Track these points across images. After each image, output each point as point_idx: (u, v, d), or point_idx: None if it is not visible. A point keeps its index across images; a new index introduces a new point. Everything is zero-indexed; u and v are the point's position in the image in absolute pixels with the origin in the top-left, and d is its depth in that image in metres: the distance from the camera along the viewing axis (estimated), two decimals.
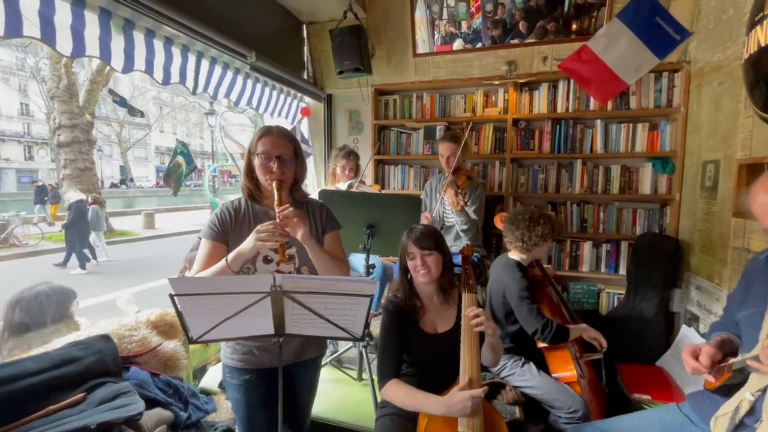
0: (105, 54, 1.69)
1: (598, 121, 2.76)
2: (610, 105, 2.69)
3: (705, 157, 2.26)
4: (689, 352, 1.08)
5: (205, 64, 2.26)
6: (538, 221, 1.92)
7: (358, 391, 2.05)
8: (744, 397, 1.03)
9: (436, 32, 3.01)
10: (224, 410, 1.76)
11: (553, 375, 1.92)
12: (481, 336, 1.40)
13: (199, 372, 2.23)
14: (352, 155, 2.72)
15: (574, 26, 2.73)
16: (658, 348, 2.40)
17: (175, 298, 0.93)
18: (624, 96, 2.68)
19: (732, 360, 1.04)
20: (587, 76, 2.55)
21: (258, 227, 1.19)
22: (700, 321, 2.22)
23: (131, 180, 28.33)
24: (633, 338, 2.44)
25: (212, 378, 2.07)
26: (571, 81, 2.74)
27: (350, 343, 2.19)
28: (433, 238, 1.43)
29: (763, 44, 1.62)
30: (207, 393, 1.87)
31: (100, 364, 1.32)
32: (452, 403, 1.20)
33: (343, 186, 2.62)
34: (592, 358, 2.09)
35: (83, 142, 10.15)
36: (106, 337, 1.42)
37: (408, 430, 1.36)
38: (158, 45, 1.95)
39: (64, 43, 1.52)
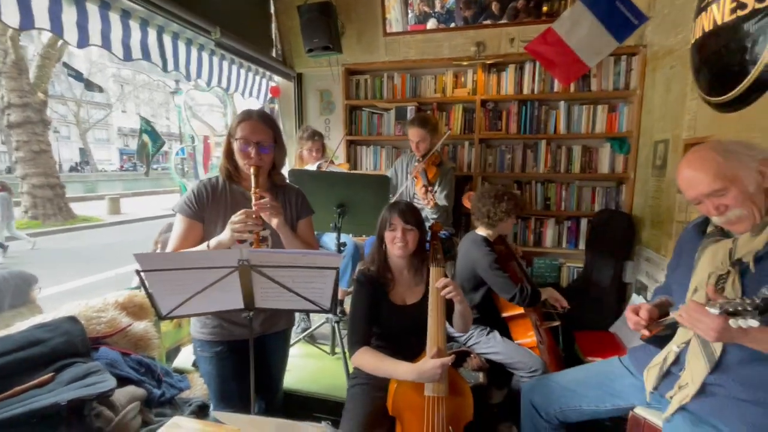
0: (56, 26, 1.60)
1: (562, 103, 2.87)
2: (572, 87, 2.79)
3: (656, 137, 2.40)
4: (632, 309, 1.20)
5: (167, 40, 2.18)
6: (502, 198, 2.02)
7: (331, 364, 2.13)
8: (671, 349, 1.16)
9: (410, 11, 3.00)
10: (198, 387, 1.79)
11: (516, 341, 2.05)
12: (448, 307, 1.48)
13: (173, 353, 2.24)
14: (316, 135, 2.69)
15: (544, 8, 2.78)
16: (611, 316, 2.59)
17: (144, 274, 0.94)
18: (586, 78, 2.79)
19: (664, 318, 1.16)
20: (551, 58, 2.62)
21: (232, 218, 1.22)
22: (648, 290, 2.41)
23: (86, 163, 26.64)
24: (589, 307, 2.62)
25: (186, 357, 2.08)
26: (537, 63, 2.81)
27: (323, 319, 2.25)
28: (415, 216, 1.49)
29: (707, 30, 1.73)
30: (181, 372, 1.90)
31: (68, 345, 1.32)
32: (424, 370, 1.28)
33: (312, 167, 2.62)
34: (551, 326, 2.25)
35: (36, 123, 9.49)
36: (73, 319, 1.41)
37: (378, 397, 1.43)
38: (114, 18, 1.87)
39: (10, 13, 1.44)
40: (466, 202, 2.59)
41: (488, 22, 2.87)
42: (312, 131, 2.71)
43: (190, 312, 1.09)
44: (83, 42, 1.73)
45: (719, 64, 1.68)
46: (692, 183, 1.06)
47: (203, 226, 1.33)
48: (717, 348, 1.05)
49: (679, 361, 1.15)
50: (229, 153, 1.36)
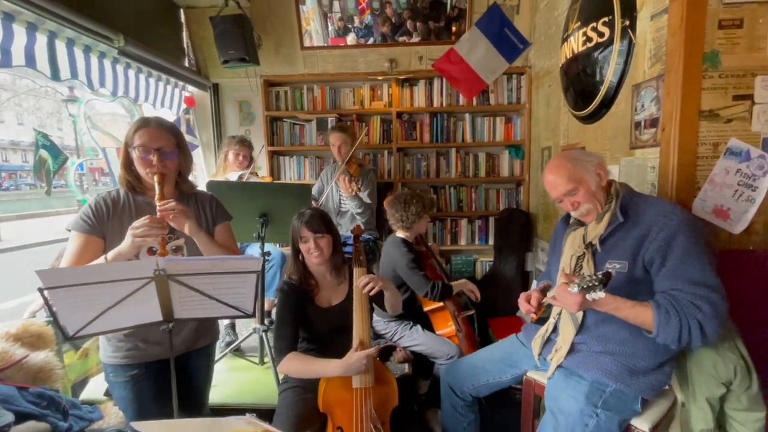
0: None
1: (467, 115, 3.20)
2: (475, 101, 3.14)
3: (543, 144, 2.81)
4: (524, 298, 1.43)
5: (60, 46, 2.01)
6: (411, 201, 2.19)
7: (261, 375, 2.11)
8: (550, 321, 1.41)
9: (330, 24, 3.11)
10: (113, 416, 1.67)
11: (437, 332, 2.24)
12: (371, 303, 1.58)
13: (79, 387, 2.04)
14: (245, 142, 2.69)
15: (453, 28, 3.09)
16: (518, 302, 2.93)
17: (46, 292, 0.90)
18: (485, 93, 3.15)
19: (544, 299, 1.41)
20: (456, 76, 2.94)
21: (133, 224, 1.16)
22: None
23: None
24: (499, 296, 2.94)
25: (95, 388, 1.92)
26: (444, 79, 3.11)
27: (250, 330, 2.22)
28: (324, 222, 1.53)
29: (569, 56, 2.10)
30: (91, 403, 1.75)
31: None
32: (349, 363, 1.35)
33: (233, 176, 2.59)
34: (467, 315, 2.49)
35: None
36: None
37: (308, 398, 1.48)
38: None
39: None
40: (387, 207, 2.76)
41: (404, 38, 3.09)
42: (241, 138, 2.71)
43: (103, 329, 1.05)
44: None
45: (579, 85, 2.06)
46: (553, 185, 1.32)
47: (105, 243, 1.25)
48: (579, 314, 1.31)
49: (556, 329, 1.40)
50: (127, 163, 1.29)
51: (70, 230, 1.23)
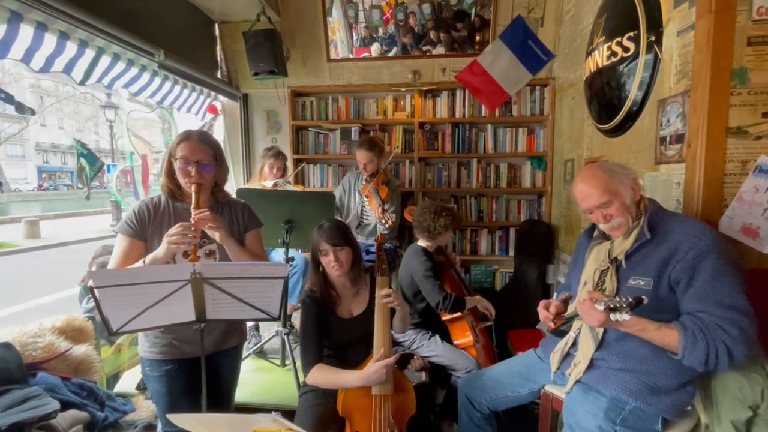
0: None
1: (489, 126, 3.22)
2: (497, 112, 3.16)
3: (566, 156, 2.80)
4: (543, 305, 1.43)
5: (105, 60, 2.17)
6: (441, 213, 2.22)
7: (282, 376, 2.18)
8: (570, 335, 1.41)
9: (354, 34, 3.21)
10: (143, 409, 1.77)
11: (454, 342, 2.25)
12: (392, 312, 1.61)
13: (112, 380, 2.16)
14: (280, 155, 2.82)
15: (477, 38, 3.12)
16: (537, 314, 2.90)
17: (96, 291, 0.99)
18: (508, 105, 3.17)
19: (567, 312, 1.41)
20: (478, 87, 2.96)
21: (168, 231, 1.24)
22: None
23: None
24: (519, 307, 2.92)
25: (127, 382, 2.03)
26: (466, 90, 3.14)
27: (273, 333, 2.30)
28: (342, 234, 1.55)
29: (593, 70, 2.11)
30: (124, 396, 1.85)
31: (3, 372, 1.28)
32: (369, 374, 1.38)
33: (269, 184, 2.71)
34: (485, 326, 2.48)
35: None
36: (7, 345, 1.37)
37: (328, 402, 1.52)
38: (50, 38, 1.85)
39: None
40: (408, 216, 2.80)
41: (428, 47, 3.15)
42: (277, 151, 2.83)
43: (142, 326, 1.14)
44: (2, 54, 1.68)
45: (603, 98, 2.05)
46: (585, 196, 1.29)
47: (146, 245, 1.34)
48: (600, 330, 1.31)
49: (575, 343, 1.40)
50: (170, 172, 1.38)
51: (116, 233, 1.33)
